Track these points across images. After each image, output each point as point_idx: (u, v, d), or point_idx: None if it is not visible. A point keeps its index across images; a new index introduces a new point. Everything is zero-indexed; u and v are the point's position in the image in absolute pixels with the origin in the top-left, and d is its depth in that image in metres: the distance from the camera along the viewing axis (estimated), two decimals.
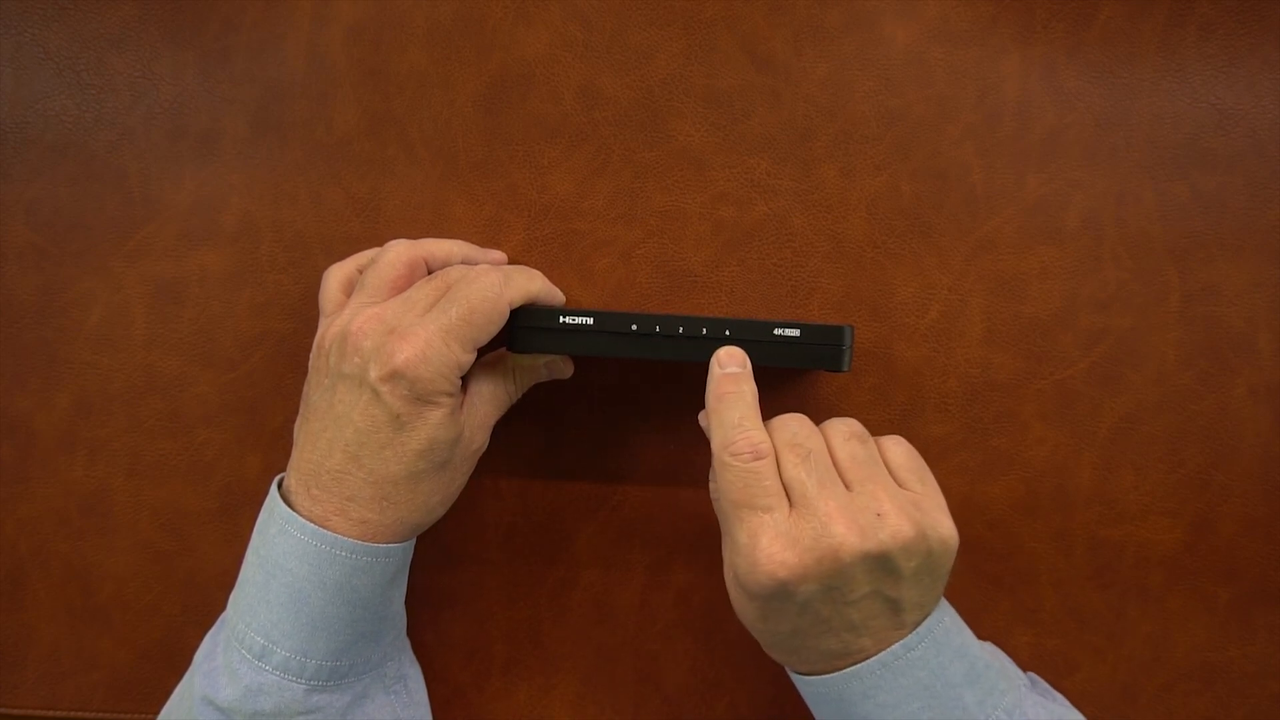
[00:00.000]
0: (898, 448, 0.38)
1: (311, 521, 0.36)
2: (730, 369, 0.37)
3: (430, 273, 0.40)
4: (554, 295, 0.41)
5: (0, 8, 0.45)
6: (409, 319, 0.36)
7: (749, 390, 0.37)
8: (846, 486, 0.35)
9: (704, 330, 0.38)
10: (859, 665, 0.35)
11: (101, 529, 0.46)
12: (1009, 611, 0.45)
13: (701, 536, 0.46)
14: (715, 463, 0.36)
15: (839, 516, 0.34)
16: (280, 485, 0.39)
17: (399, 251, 0.39)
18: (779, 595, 0.34)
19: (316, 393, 0.38)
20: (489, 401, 0.40)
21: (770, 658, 0.38)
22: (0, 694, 0.46)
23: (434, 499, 0.38)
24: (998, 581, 0.45)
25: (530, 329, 0.38)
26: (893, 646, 0.35)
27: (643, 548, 0.46)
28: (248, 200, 0.45)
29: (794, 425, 0.36)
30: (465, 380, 0.38)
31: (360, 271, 0.41)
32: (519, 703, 0.46)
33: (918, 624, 0.35)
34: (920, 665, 0.35)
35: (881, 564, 0.34)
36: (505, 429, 0.42)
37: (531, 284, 0.39)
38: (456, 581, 0.46)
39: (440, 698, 0.46)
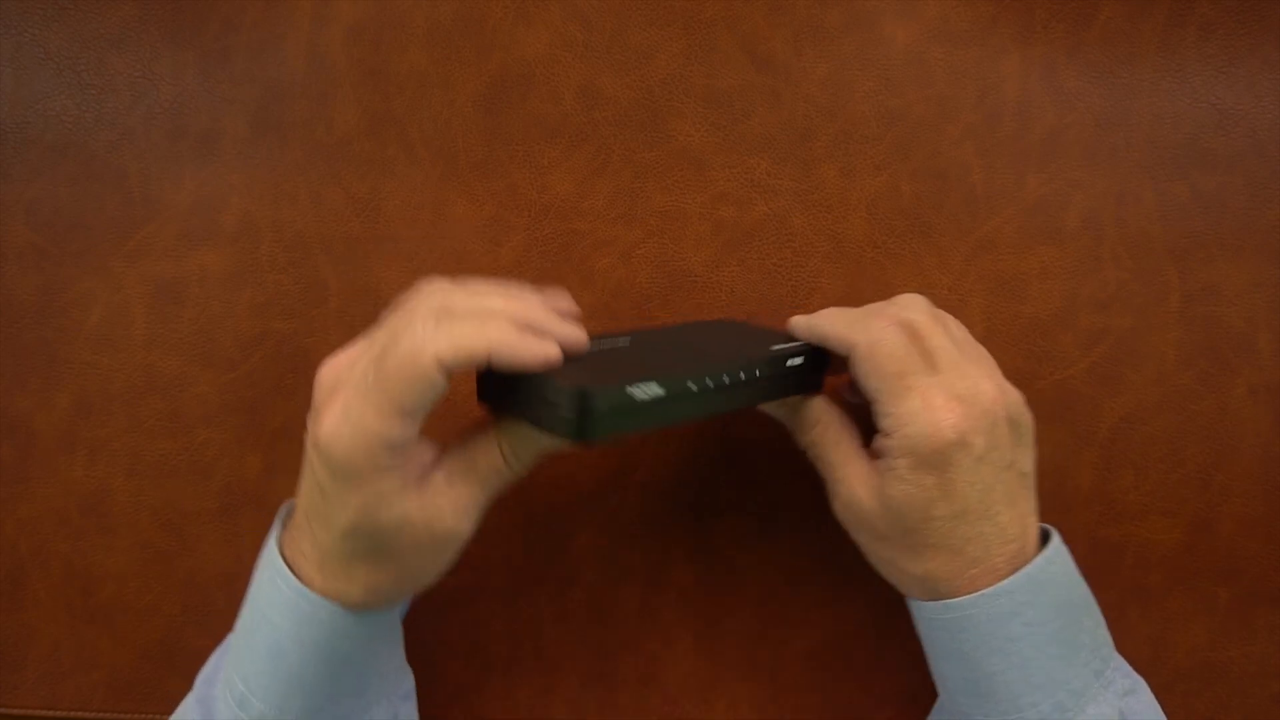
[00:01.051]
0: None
1: (290, 566, 0.34)
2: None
3: None
4: (522, 353, 0.31)
5: (0, 8, 0.45)
6: (347, 374, 0.31)
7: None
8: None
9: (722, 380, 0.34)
10: (1009, 580, 0.34)
11: (101, 529, 0.46)
12: None
13: (701, 536, 0.46)
14: (865, 350, 0.35)
15: (982, 377, 0.35)
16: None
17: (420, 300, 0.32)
18: (959, 450, 0.33)
19: None
20: (468, 480, 0.33)
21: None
22: (0, 694, 0.46)
23: (375, 581, 0.32)
24: None
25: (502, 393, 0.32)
26: (1036, 560, 0.35)
27: (643, 548, 0.46)
28: (248, 200, 0.45)
29: (911, 302, 0.37)
30: (443, 454, 0.33)
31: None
32: (519, 703, 0.46)
33: (1035, 514, 0.36)
34: (1058, 581, 0.35)
35: (1014, 426, 0.35)
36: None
37: (478, 338, 0.30)
38: (456, 581, 0.46)
39: (440, 698, 0.46)
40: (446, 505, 0.32)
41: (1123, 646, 0.37)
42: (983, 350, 0.38)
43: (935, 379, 0.34)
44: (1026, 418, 0.36)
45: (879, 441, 0.36)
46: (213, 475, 0.46)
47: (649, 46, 0.44)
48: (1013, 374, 0.44)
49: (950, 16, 0.44)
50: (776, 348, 0.37)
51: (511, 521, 0.46)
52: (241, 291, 0.45)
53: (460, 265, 0.45)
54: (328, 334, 0.45)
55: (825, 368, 0.38)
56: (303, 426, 0.45)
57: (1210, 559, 0.44)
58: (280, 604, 0.34)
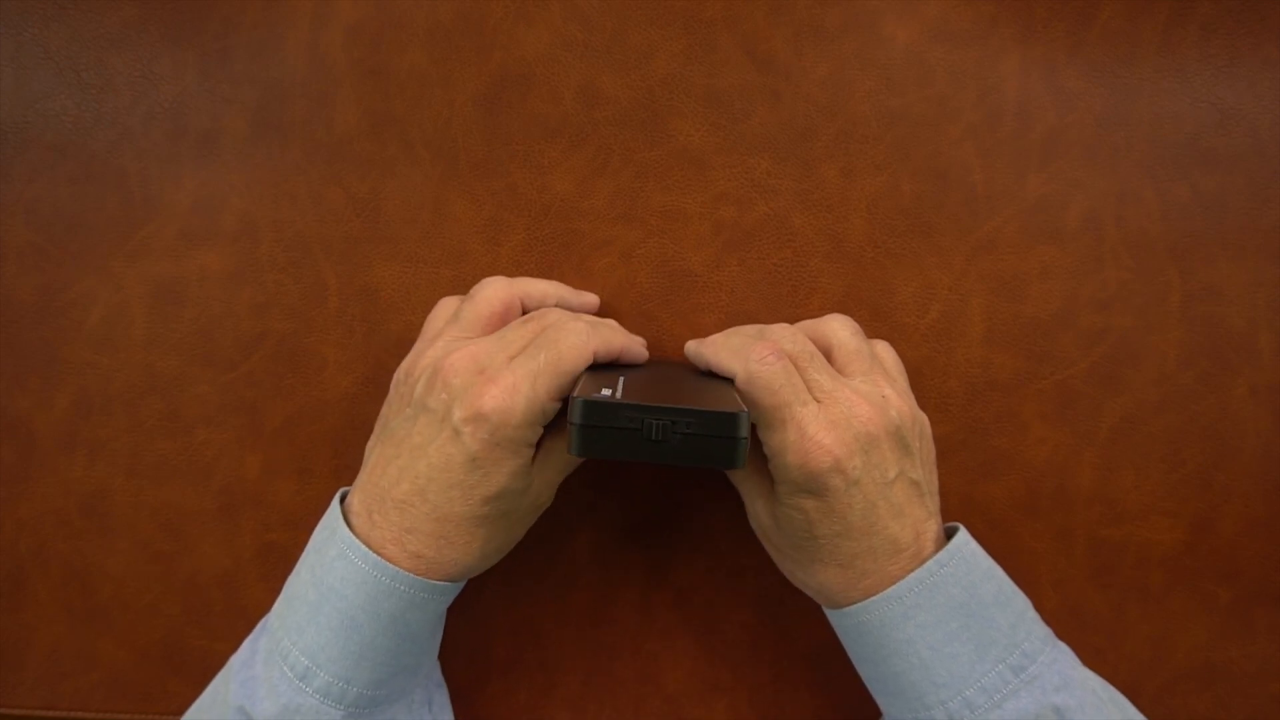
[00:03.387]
0: (884, 350, 0.41)
1: (368, 546, 0.36)
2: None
3: (525, 312, 0.40)
4: (637, 351, 0.40)
5: (0, 8, 0.45)
6: (499, 361, 0.36)
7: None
8: (849, 377, 0.38)
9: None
10: (898, 585, 0.36)
11: (101, 529, 0.46)
12: None
13: (701, 536, 0.46)
14: (744, 379, 0.36)
15: (858, 400, 0.36)
16: (343, 501, 0.38)
17: (496, 289, 0.39)
18: (834, 475, 0.35)
19: (396, 419, 0.37)
20: (554, 462, 0.39)
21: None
22: (0, 694, 0.46)
23: (490, 546, 0.37)
24: None
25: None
26: (927, 563, 0.36)
27: (643, 548, 0.46)
28: (248, 200, 0.45)
29: (788, 334, 0.38)
30: (544, 435, 0.37)
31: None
32: (519, 703, 0.46)
33: (935, 517, 0.38)
34: (953, 582, 0.36)
35: (898, 440, 0.36)
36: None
37: (615, 338, 0.39)
38: None
39: None
40: (546, 480, 0.38)
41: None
42: (880, 364, 0.39)
43: (809, 408, 0.35)
44: (913, 428, 0.37)
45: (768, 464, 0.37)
46: (213, 475, 0.46)
47: (649, 46, 0.44)
48: (1013, 374, 0.44)
49: (950, 16, 0.44)
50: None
51: None
52: (241, 291, 0.45)
53: (460, 265, 0.45)
54: (328, 334, 0.45)
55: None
56: (302, 426, 0.45)
57: (1211, 559, 0.44)
58: (355, 579, 0.36)
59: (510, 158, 0.45)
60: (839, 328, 0.39)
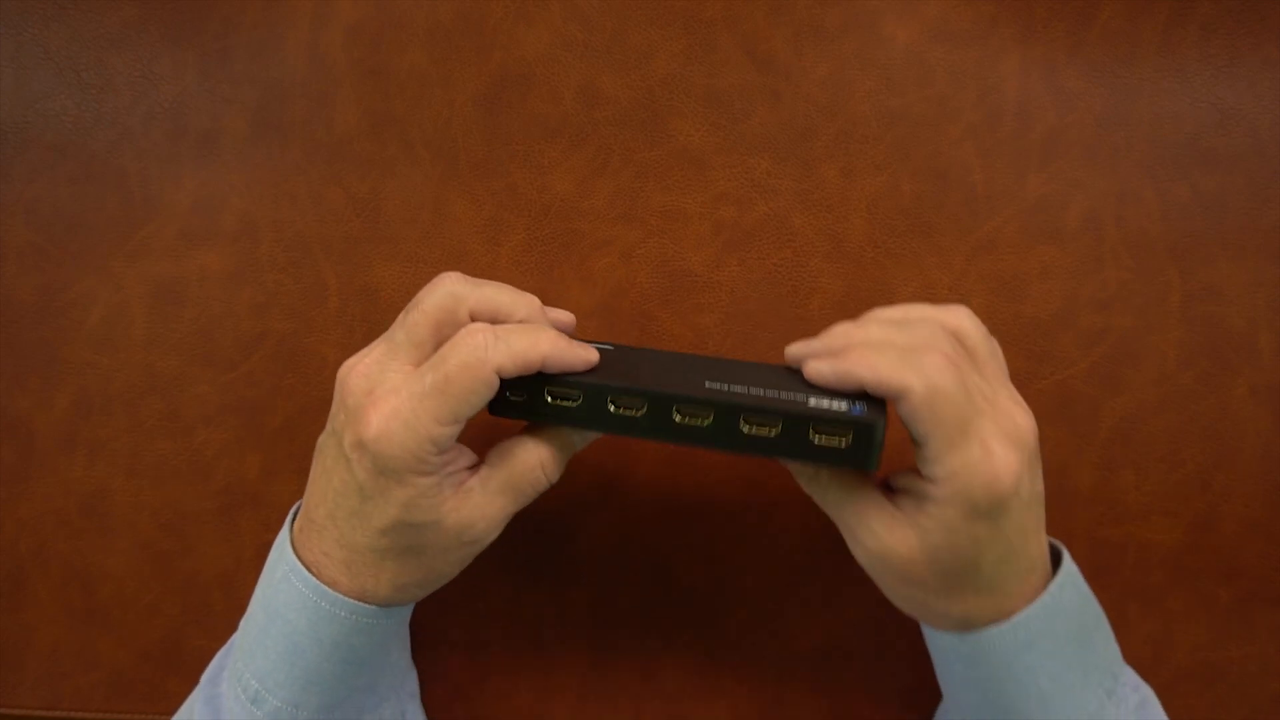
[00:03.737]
0: (999, 351, 0.36)
1: (305, 567, 0.35)
2: (825, 341, 0.34)
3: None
4: (569, 356, 0.34)
5: (0, 8, 0.45)
6: (388, 379, 0.33)
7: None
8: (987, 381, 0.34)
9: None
10: (1029, 609, 0.33)
11: (101, 529, 0.46)
12: None
13: (702, 537, 0.46)
14: (925, 394, 0.31)
15: (1016, 408, 0.33)
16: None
17: (434, 301, 0.34)
18: (1014, 498, 0.31)
19: (324, 435, 0.35)
20: (505, 493, 0.35)
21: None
22: (0, 694, 0.46)
23: (403, 579, 0.34)
24: None
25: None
26: (1049, 587, 0.33)
27: (643, 548, 0.46)
28: (248, 200, 0.45)
29: (941, 335, 0.33)
30: (480, 461, 0.35)
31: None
32: (519, 703, 0.46)
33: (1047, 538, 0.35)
34: (1071, 606, 0.34)
35: (1035, 451, 0.33)
36: (507, 430, 0.42)
37: (535, 349, 0.33)
38: (456, 582, 0.46)
39: (440, 698, 0.46)
40: (479, 513, 0.34)
41: (1124, 646, 0.37)
42: (1001, 359, 0.35)
43: (986, 421, 0.31)
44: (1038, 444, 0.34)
45: (914, 485, 0.33)
46: (213, 475, 0.46)
47: (649, 46, 0.44)
48: (1013, 374, 0.44)
49: (950, 16, 0.44)
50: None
51: (512, 522, 0.46)
52: (241, 291, 0.45)
53: (460, 265, 0.45)
54: (328, 334, 0.45)
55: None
56: (302, 426, 0.45)
57: (1211, 559, 0.44)
58: (297, 603, 0.34)
59: (510, 158, 0.45)
60: (971, 327, 0.34)
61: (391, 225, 0.45)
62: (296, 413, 0.45)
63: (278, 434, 0.46)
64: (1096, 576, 0.45)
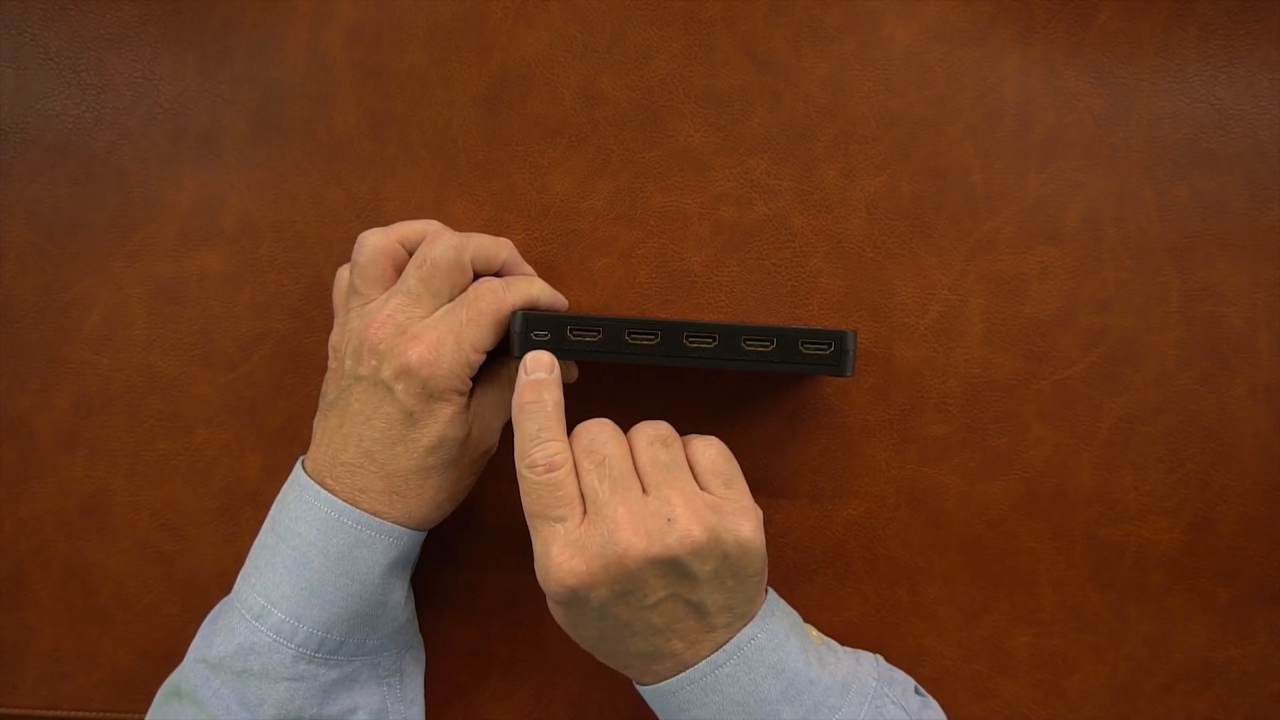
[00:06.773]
0: (709, 449, 0.37)
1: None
2: (536, 375, 0.37)
3: (410, 254, 0.40)
4: (555, 299, 0.42)
5: (0, 8, 0.45)
6: (417, 319, 0.38)
7: (550, 399, 0.36)
8: (644, 490, 0.35)
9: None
10: (671, 680, 0.36)
11: (101, 529, 0.46)
12: (1009, 611, 0.45)
13: None
14: (518, 473, 0.36)
15: (626, 522, 0.34)
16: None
17: (375, 243, 0.39)
18: (574, 601, 0.35)
19: (334, 391, 0.39)
20: (496, 406, 0.41)
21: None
22: (0, 694, 0.46)
23: (441, 495, 0.39)
24: (997, 581, 0.45)
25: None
26: (700, 664, 0.36)
27: None
28: (248, 200, 0.45)
29: (592, 431, 0.36)
30: (474, 385, 0.40)
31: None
32: (519, 703, 0.46)
33: (729, 626, 0.36)
34: (730, 682, 0.36)
35: (672, 567, 0.34)
36: (507, 430, 0.42)
37: (531, 288, 0.40)
38: (456, 581, 0.46)
39: (440, 698, 0.46)
40: (485, 424, 0.40)
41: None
42: (727, 477, 0.37)
43: (562, 526, 0.34)
44: (708, 550, 0.34)
45: None
46: (213, 475, 0.46)
47: (649, 46, 0.44)
48: (1013, 374, 0.44)
49: (949, 17, 0.44)
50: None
51: (512, 521, 0.46)
52: (241, 291, 0.45)
53: None
54: (327, 334, 0.45)
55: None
56: (302, 426, 0.45)
57: (1210, 559, 0.44)
58: (309, 515, 0.38)
59: (510, 158, 0.45)
60: (639, 436, 0.37)
61: None
62: (296, 413, 0.45)
63: (278, 434, 0.46)
64: (1095, 576, 0.45)
